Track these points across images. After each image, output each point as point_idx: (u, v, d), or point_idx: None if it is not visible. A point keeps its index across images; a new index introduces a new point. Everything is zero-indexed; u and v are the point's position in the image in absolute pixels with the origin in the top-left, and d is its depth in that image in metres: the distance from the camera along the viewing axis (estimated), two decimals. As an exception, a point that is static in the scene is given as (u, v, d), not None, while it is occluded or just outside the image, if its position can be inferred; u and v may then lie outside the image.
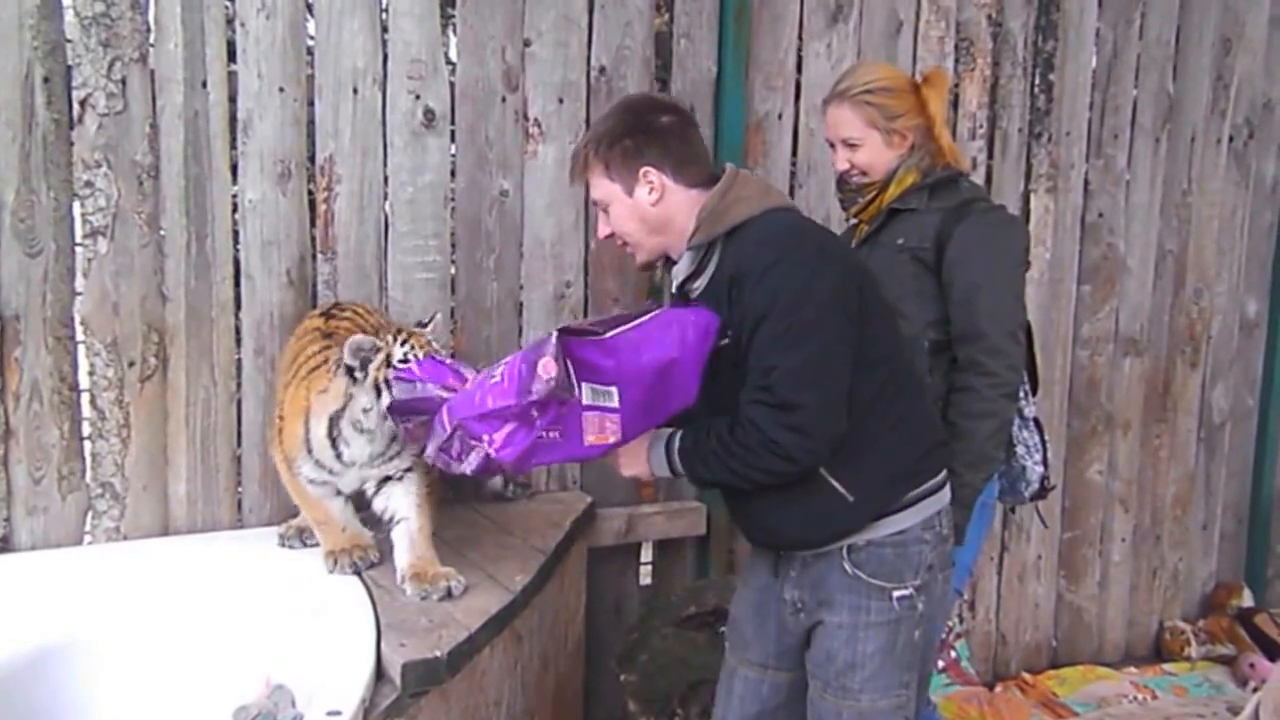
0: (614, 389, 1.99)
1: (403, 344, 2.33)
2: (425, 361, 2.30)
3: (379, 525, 2.60)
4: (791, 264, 2.01)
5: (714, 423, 2.06)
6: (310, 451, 2.45)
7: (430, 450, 2.14)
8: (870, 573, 2.10)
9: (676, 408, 2.10)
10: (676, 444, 2.12)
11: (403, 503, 2.50)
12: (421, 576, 2.42)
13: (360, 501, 2.58)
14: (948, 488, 2.22)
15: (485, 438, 2.01)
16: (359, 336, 2.34)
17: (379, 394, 2.33)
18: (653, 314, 2.09)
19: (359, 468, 2.48)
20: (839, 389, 2.01)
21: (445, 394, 2.20)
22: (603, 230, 2.23)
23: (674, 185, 2.13)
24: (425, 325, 2.49)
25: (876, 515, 2.10)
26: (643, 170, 2.12)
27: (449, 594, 2.41)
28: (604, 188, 2.17)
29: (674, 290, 2.21)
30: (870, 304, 2.08)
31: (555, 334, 1.94)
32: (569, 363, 1.93)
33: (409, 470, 2.51)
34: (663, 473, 2.15)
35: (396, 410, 2.31)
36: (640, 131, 2.14)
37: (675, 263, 2.18)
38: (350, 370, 2.34)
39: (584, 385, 1.96)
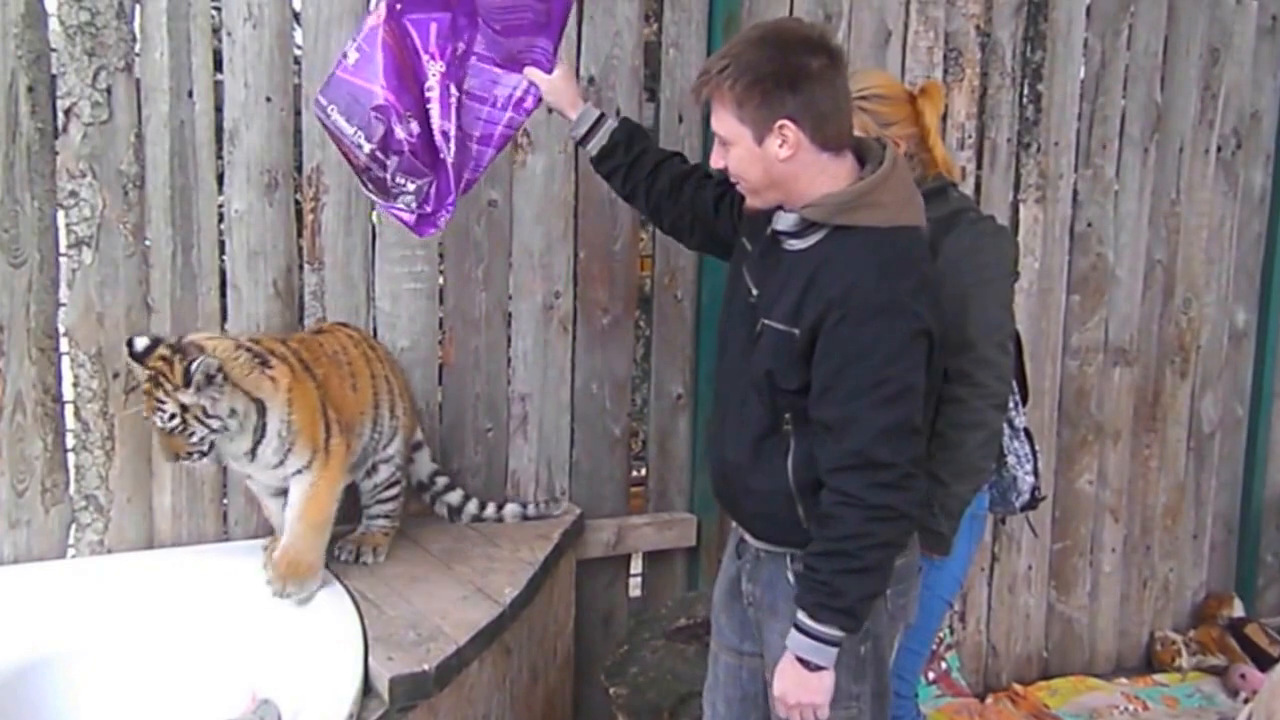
0: None
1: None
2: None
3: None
4: (904, 312, 1.93)
5: (809, 561, 1.98)
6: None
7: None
8: None
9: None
10: (809, 623, 1.97)
11: None
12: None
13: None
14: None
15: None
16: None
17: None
18: None
19: None
20: (923, 443, 2.00)
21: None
22: (717, 160, 2.07)
23: (809, 144, 1.96)
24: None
25: None
26: (780, 123, 1.94)
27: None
28: (730, 126, 1.99)
29: (769, 231, 2.09)
30: (935, 364, 2.04)
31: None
32: None
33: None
34: (830, 656, 1.99)
35: None
36: (786, 76, 1.93)
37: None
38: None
39: None
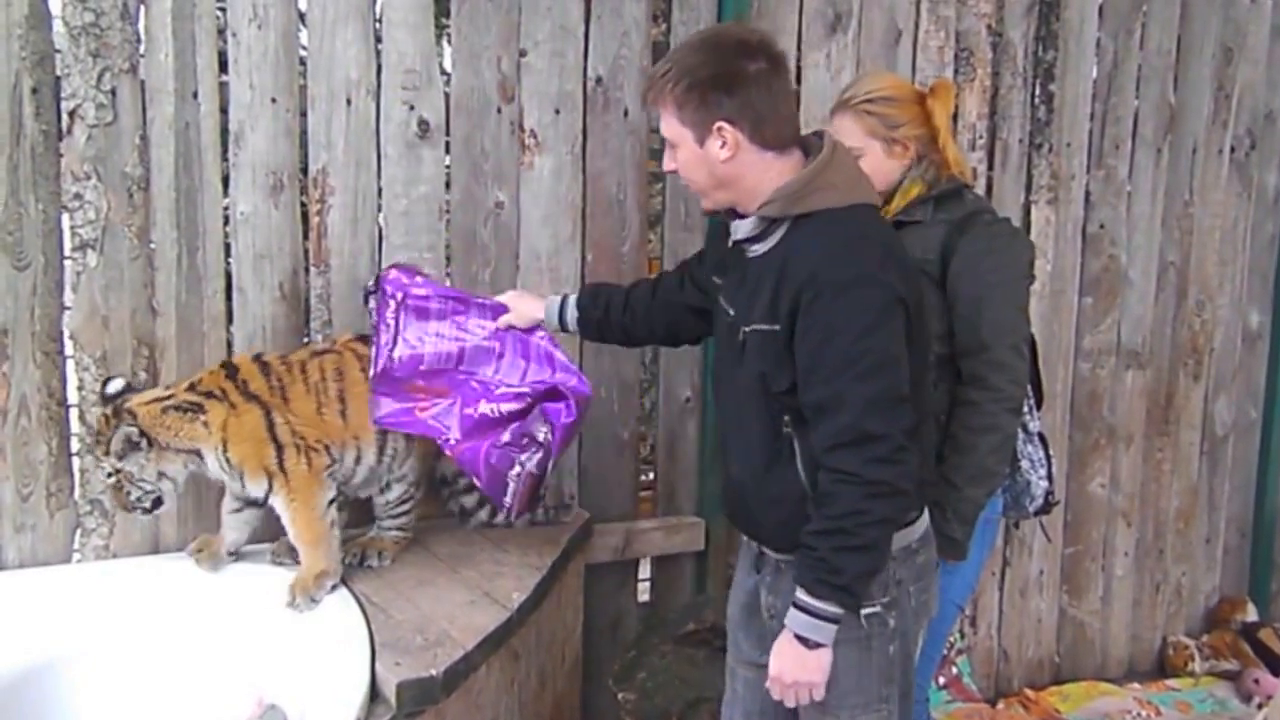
0: None
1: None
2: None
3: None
4: (873, 283, 1.94)
5: (808, 539, 1.97)
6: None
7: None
8: None
9: None
10: (808, 600, 1.97)
11: None
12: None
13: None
14: (924, 519, 2.17)
15: None
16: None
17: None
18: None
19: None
20: (913, 413, 1.98)
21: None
22: (668, 165, 2.12)
23: (749, 144, 2.00)
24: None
25: None
26: (717, 125, 1.99)
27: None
28: (674, 129, 2.05)
29: (730, 243, 2.13)
30: (917, 332, 2.03)
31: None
32: None
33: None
34: (828, 634, 1.99)
35: None
36: (723, 80, 1.98)
37: (738, 215, 2.09)
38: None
39: None
